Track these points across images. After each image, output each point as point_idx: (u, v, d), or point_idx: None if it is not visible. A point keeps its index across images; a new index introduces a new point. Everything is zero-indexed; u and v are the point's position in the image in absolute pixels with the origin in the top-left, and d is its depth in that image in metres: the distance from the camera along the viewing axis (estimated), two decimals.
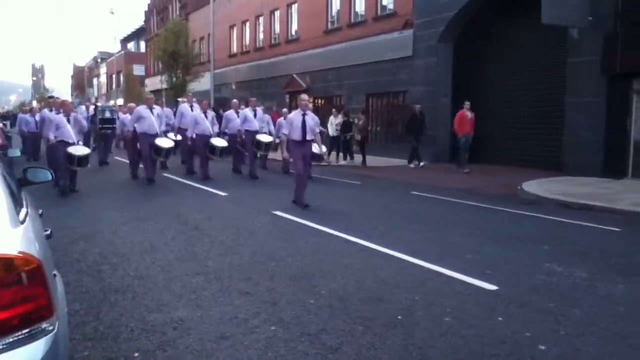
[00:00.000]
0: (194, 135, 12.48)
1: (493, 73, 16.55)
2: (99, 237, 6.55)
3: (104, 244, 6.18)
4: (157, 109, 11.87)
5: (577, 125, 13.03)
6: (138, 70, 49.25)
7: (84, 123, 10.77)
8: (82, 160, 9.99)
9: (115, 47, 68.94)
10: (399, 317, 4.01)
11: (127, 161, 13.18)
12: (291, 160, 9.43)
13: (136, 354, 3.36)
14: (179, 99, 21.80)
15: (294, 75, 24.53)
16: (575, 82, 13.17)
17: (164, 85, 33.66)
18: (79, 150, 10.00)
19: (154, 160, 11.96)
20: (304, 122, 8.74)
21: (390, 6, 19.66)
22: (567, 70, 13.43)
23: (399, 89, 19.16)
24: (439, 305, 4.26)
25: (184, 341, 3.55)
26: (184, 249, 5.95)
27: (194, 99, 14.96)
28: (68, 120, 9.93)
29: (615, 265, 5.53)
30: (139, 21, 57.86)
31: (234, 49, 31.84)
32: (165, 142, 11.76)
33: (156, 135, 11.48)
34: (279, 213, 8.08)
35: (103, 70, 68.16)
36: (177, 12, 40.85)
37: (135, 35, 60.81)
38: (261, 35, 28.83)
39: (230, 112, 13.70)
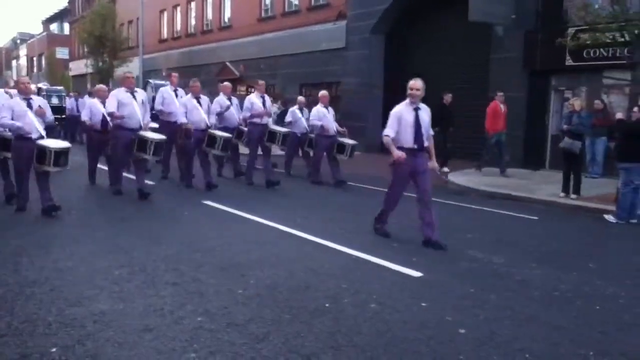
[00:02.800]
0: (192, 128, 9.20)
1: (422, 66, 16.93)
2: (19, 229, 6.21)
3: (23, 235, 5.85)
4: (140, 93, 8.61)
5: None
6: (61, 53, 46.85)
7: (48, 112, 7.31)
8: (60, 155, 6.87)
9: (36, 28, 65.24)
10: (327, 304, 4.06)
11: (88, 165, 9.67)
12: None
13: (53, 349, 3.21)
14: (150, 80, 18.49)
15: (227, 63, 24.12)
16: (498, 78, 13.72)
17: (89, 70, 32.24)
18: (53, 143, 7.06)
19: (127, 163, 9.03)
20: (417, 120, 5.83)
21: None
22: (491, 66, 13.97)
23: (333, 80, 19.28)
24: (365, 292, 4.34)
25: (105, 334, 3.43)
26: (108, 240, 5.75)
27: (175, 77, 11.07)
28: (29, 106, 6.90)
29: (532, 252, 5.84)
30: (62, 1, 55.02)
31: (165, 34, 30.90)
32: (153, 134, 8.45)
33: (139, 129, 8.21)
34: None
35: (23, 52, 64.27)
36: None
37: (59, 16, 57.67)
38: (193, 21, 28.14)
39: (221, 99, 10.49)
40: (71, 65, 44.99)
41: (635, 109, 7.93)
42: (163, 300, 4.05)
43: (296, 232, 6.28)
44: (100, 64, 31.13)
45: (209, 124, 9.43)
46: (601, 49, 11.45)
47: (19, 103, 6.83)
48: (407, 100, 5.86)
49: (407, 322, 3.78)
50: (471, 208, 8.57)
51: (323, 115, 10.39)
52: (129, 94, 8.30)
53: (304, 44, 20.02)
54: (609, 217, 7.79)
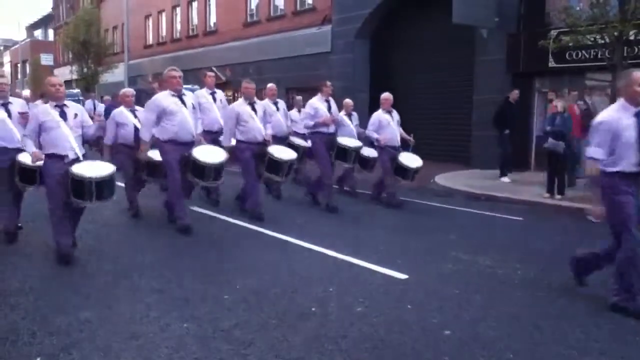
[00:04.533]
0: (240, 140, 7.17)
1: (407, 70, 17.06)
2: None
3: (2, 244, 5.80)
4: (189, 96, 6.51)
5: (484, 121, 13.69)
6: (46, 59, 46.38)
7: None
8: (102, 186, 5.16)
9: (20, 35, 64.68)
10: (313, 308, 4.08)
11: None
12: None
13: (38, 359, 3.20)
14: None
15: (213, 68, 24.07)
16: (482, 80, 13.85)
17: (74, 76, 32.00)
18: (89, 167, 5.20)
19: (191, 187, 6.73)
20: None
21: (310, 1, 19.75)
22: (475, 69, 14.10)
23: (318, 84, 19.30)
24: (351, 295, 4.37)
25: (90, 343, 3.42)
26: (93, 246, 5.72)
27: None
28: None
29: (516, 253, 5.90)
30: (46, 7, 54.61)
31: (150, 39, 30.76)
32: (210, 155, 6.33)
33: (191, 144, 6.30)
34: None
35: (7, 59, 63.66)
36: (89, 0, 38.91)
37: (43, 22, 57.25)
38: (178, 26, 28.04)
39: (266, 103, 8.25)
40: (56, 71, 44.57)
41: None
42: (149, 307, 4.05)
43: (282, 236, 6.29)
44: (85, 69, 30.93)
45: (266, 137, 7.17)
46: (583, 51, 11.61)
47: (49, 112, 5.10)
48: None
49: (393, 324, 3.81)
50: (455, 210, 8.63)
51: (386, 125, 8.41)
52: (176, 99, 6.23)
53: (290, 49, 20.04)
54: (592, 217, 7.88)
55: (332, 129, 8.16)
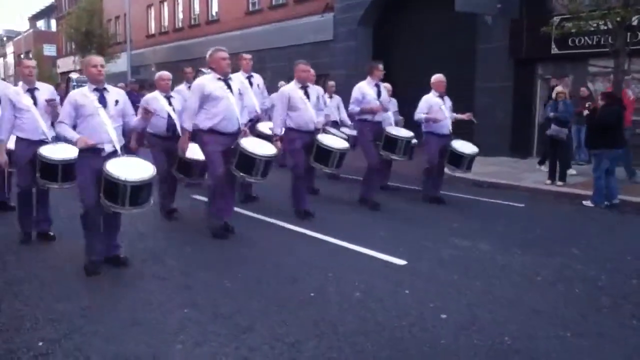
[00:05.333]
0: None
1: (409, 57, 16.99)
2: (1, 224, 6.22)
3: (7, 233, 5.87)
4: (236, 80, 5.88)
5: (487, 108, 13.67)
6: (49, 50, 46.42)
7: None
8: (138, 191, 4.43)
9: (23, 25, 64.65)
10: (312, 294, 4.13)
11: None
12: None
13: (40, 343, 3.27)
14: (72, 75, 15.35)
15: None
16: (485, 67, 13.79)
17: (78, 67, 31.99)
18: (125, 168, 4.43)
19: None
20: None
21: None
22: (477, 56, 14.03)
23: (321, 72, 19.18)
24: (350, 281, 4.41)
25: (92, 328, 3.48)
26: None
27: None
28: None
29: (515, 239, 5.92)
30: None
31: (152, 29, 30.70)
32: (259, 147, 5.62)
33: (235, 136, 5.56)
34: None
35: (10, 49, 63.63)
36: None
37: (45, 13, 57.14)
38: (180, 16, 27.97)
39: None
40: (59, 62, 44.66)
41: (599, 97, 8.12)
42: (151, 294, 4.11)
43: (283, 224, 6.33)
44: None
45: (318, 125, 6.56)
46: (585, 37, 11.53)
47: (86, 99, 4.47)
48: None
49: (390, 309, 3.86)
50: (458, 197, 8.64)
51: (437, 109, 7.64)
52: (222, 83, 5.52)
53: (292, 37, 19.98)
54: (587, 203, 7.92)
55: (378, 117, 7.41)
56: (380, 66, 7.58)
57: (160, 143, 6.39)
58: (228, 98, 5.49)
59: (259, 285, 4.33)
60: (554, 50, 12.35)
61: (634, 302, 4.08)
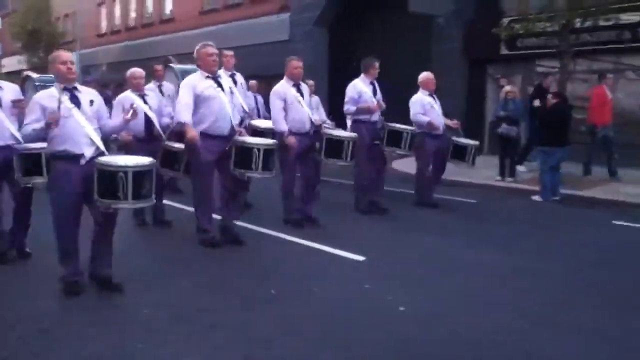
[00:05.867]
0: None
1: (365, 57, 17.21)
2: None
3: None
4: (225, 78, 5.66)
5: (442, 107, 14.00)
6: None
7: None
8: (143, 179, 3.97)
9: None
10: (272, 291, 4.19)
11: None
12: None
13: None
14: (31, 74, 15.70)
15: (170, 57, 23.69)
16: (439, 68, 14.11)
17: (24, 66, 30.94)
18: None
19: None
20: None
21: None
22: (433, 57, 14.37)
23: (279, 72, 19.07)
24: (313, 277, 4.51)
25: (54, 329, 3.44)
26: None
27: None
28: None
29: (470, 234, 6.15)
30: None
31: (104, 28, 30.00)
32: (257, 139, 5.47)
33: (229, 139, 5.24)
34: None
35: None
36: None
37: None
38: (133, 14, 27.45)
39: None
40: (3, 61, 42.99)
41: (549, 96, 8.47)
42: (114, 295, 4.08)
43: (249, 226, 6.33)
44: (35, 59, 29.94)
45: (316, 123, 6.25)
46: (533, 38, 11.99)
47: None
48: None
49: (351, 303, 3.98)
50: (411, 193, 8.83)
51: (429, 108, 7.50)
52: (211, 82, 5.17)
53: (248, 37, 19.91)
54: (536, 197, 8.28)
55: (375, 116, 7.03)
56: (376, 64, 7.25)
57: (138, 146, 5.53)
58: (220, 97, 5.12)
59: (220, 285, 4.36)
60: (504, 51, 12.78)
61: (587, 292, 4.30)
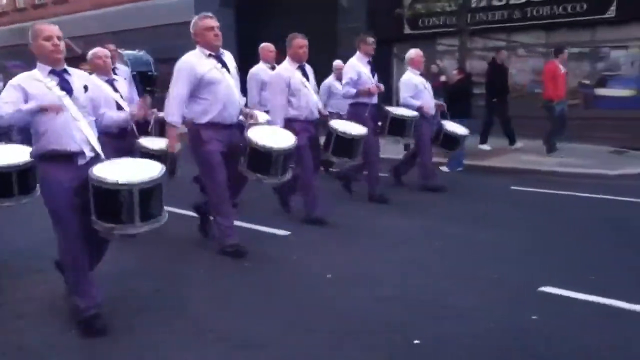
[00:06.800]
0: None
1: (275, 38, 17.17)
2: None
3: None
4: (229, 57, 4.68)
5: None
6: None
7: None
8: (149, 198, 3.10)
9: None
10: (201, 270, 4.31)
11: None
12: None
13: None
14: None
15: (67, 40, 22.37)
16: (345, 47, 14.43)
17: None
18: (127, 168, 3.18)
19: None
20: None
21: None
22: (339, 36, 14.67)
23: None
24: (242, 254, 4.56)
25: (30, 336, 3.33)
26: None
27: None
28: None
29: (385, 205, 6.45)
30: None
31: None
32: (274, 137, 4.56)
33: (236, 127, 4.60)
34: None
35: None
36: None
37: None
38: None
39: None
40: None
41: (455, 71, 9.04)
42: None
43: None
44: None
45: (323, 112, 5.67)
46: (433, 18, 12.59)
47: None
48: None
49: (280, 273, 4.21)
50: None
51: (422, 89, 6.93)
52: (214, 61, 4.38)
53: (150, 18, 19.27)
54: (444, 168, 8.83)
55: (375, 98, 6.46)
56: (370, 39, 6.44)
57: (110, 142, 4.34)
58: (227, 80, 4.31)
59: (145, 267, 4.39)
60: (407, 30, 13.31)
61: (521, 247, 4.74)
